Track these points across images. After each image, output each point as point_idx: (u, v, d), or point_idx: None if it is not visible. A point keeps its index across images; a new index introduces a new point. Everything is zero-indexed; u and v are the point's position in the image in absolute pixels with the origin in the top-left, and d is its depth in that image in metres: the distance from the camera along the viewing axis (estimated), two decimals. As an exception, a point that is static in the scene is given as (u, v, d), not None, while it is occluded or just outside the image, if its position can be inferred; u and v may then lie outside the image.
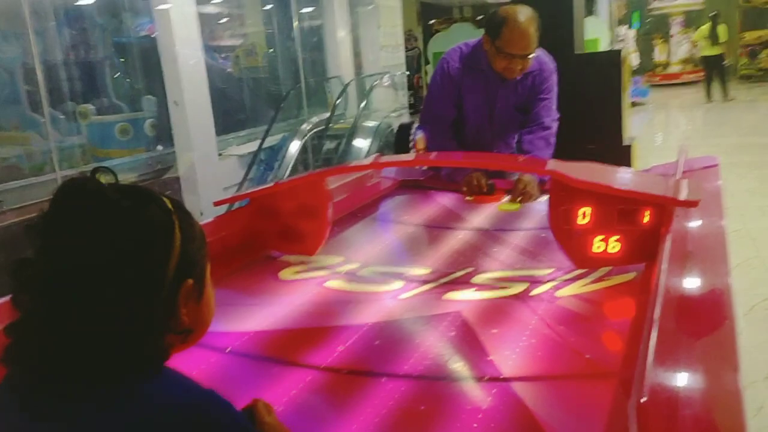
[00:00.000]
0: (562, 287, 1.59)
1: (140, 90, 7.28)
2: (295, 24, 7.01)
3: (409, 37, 13.44)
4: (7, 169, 5.37)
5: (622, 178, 1.83)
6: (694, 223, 1.72)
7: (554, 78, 2.57)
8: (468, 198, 2.38)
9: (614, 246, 1.59)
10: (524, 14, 2.33)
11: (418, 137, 4.99)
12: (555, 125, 2.56)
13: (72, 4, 7.01)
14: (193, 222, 0.82)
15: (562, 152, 2.50)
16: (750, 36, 16.05)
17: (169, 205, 0.79)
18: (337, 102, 8.06)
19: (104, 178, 0.76)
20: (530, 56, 2.36)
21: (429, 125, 2.67)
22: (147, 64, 7.03)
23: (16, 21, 5.67)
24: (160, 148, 6.97)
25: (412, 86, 13.46)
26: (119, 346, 0.72)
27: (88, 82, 6.92)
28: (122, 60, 7.33)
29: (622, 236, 1.59)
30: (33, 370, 0.73)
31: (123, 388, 0.71)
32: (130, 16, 7.26)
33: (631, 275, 1.58)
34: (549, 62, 2.55)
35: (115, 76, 7.34)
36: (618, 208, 1.57)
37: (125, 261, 0.72)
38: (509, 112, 2.58)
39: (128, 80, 7.47)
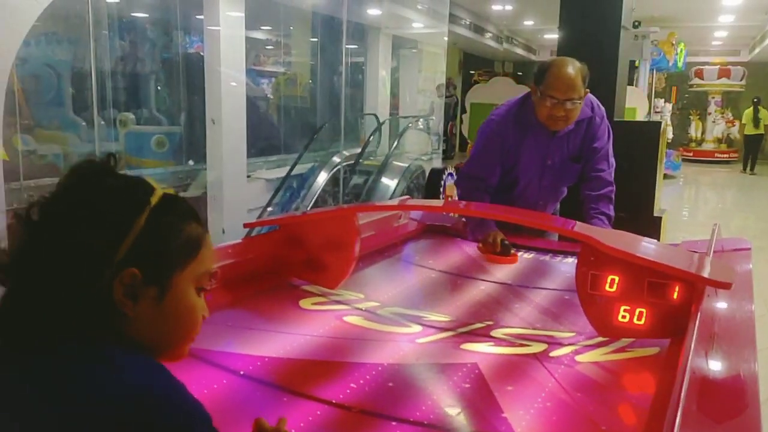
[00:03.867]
0: (582, 352, 1.56)
1: (181, 105, 7.45)
2: (344, 59, 7.14)
3: (448, 84, 13.63)
4: (44, 167, 5.50)
5: (655, 250, 1.81)
6: (722, 305, 1.69)
7: (607, 123, 2.58)
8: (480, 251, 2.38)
9: (640, 318, 1.57)
10: (570, 61, 2.39)
11: (448, 184, 5.02)
12: (612, 176, 2.58)
13: (127, 16, 7.25)
14: (182, 227, 0.84)
15: (593, 216, 2.50)
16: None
17: (156, 198, 0.82)
18: (370, 139, 8.15)
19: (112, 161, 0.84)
20: (574, 101, 2.37)
21: (466, 183, 2.64)
22: (190, 81, 7.20)
23: (71, 26, 5.87)
24: (191, 163, 7.09)
25: (446, 132, 13.61)
26: (58, 307, 0.76)
27: (132, 92, 7.11)
28: (168, 75, 7.52)
29: (649, 309, 1.57)
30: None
31: (57, 354, 0.75)
32: (181, 33, 7.47)
33: (654, 350, 1.55)
34: (600, 107, 2.56)
35: (159, 89, 7.52)
36: (648, 280, 1.55)
37: (79, 222, 0.77)
38: (563, 164, 2.57)
39: (171, 94, 7.65)
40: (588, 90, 2.43)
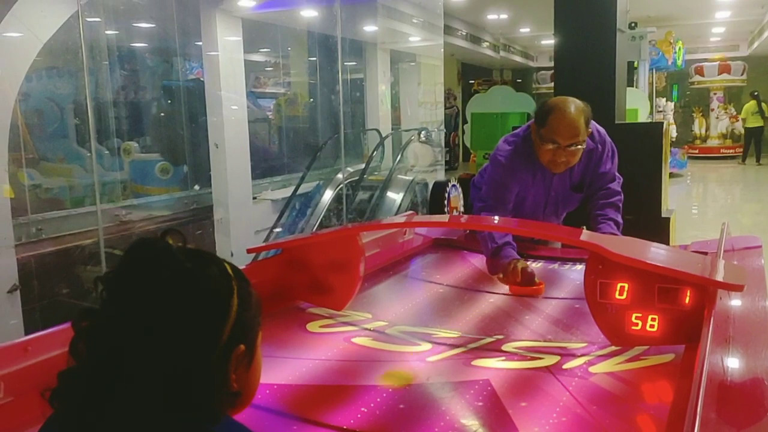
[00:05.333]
0: (596, 363, 1.54)
1: (183, 131, 7.47)
2: (340, 77, 7.17)
3: (448, 95, 13.67)
4: (48, 201, 5.52)
5: (664, 255, 1.79)
6: (736, 305, 1.66)
7: (610, 144, 2.53)
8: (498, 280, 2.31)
9: (652, 325, 1.54)
10: (572, 103, 2.33)
11: (453, 196, 4.99)
12: (620, 187, 2.55)
13: (126, 45, 7.31)
14: (251, 290, 0.84)
15: (600, 222, 2.47)
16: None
17: (230, 271, 0.81)
18: (373, 154, 8.15)
19: (172, 240, 0.80)
20: (577, 145, 2.32)
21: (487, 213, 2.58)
22: (191, 106, 7.24)
23: (70, 59, 5.92)
24: (197, 188, 7.10)
25: (448, 144, 13.63)
26: (166, 403, 0.73)
27: (134, 120, 7.15)
28: (169, 102, 7.57)
29: (661, 315, 1.54)
30: (79, 417, 0.74)
31: None
32: (180, 60, 7.52)
33: (669, 357, 1.52)
34: (600, 133, 2.51)
35: (161, 116, 7.57)
36: (658, 286, 1.52)
37: (181, 320, 0.74)
38: (565, 194, 2.57)
39: (173, 121, 7.68)
40: (591, 130, 2.39)
